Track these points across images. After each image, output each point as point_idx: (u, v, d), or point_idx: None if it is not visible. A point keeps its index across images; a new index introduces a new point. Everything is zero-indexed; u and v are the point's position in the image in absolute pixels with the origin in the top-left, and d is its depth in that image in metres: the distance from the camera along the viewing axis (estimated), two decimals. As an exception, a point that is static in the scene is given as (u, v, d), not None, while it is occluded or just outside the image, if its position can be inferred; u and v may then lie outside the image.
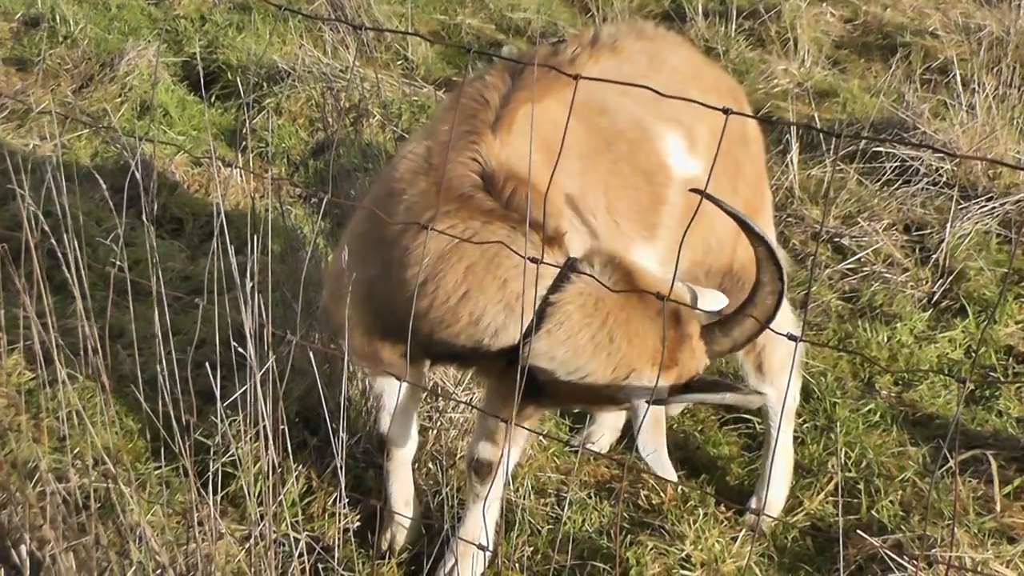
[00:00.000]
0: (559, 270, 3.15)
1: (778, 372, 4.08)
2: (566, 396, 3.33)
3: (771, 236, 4.13)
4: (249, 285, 2.93)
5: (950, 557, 3.88)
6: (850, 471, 4.37)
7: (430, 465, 4.21)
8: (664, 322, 3.14)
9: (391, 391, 3.73)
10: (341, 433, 3.10)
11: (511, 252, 3.06)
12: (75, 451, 3.75)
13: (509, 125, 3.28)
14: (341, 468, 3.11)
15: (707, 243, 3.77)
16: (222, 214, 3.02)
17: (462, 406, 4.29)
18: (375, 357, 3.49)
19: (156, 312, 3.09)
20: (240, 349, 3.07)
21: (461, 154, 3.24)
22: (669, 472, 3.19)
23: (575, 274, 3.17)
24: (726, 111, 2.36)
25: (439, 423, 4.32)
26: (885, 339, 5.12)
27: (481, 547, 3.24)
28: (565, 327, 3.17)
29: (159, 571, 3.33)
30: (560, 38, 7.70)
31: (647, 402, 3.15)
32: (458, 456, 4.19)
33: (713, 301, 3.40)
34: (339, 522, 3.83)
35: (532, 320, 3.17)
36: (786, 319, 4.15)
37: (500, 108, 3.33)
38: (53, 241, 3.12)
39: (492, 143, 3.25)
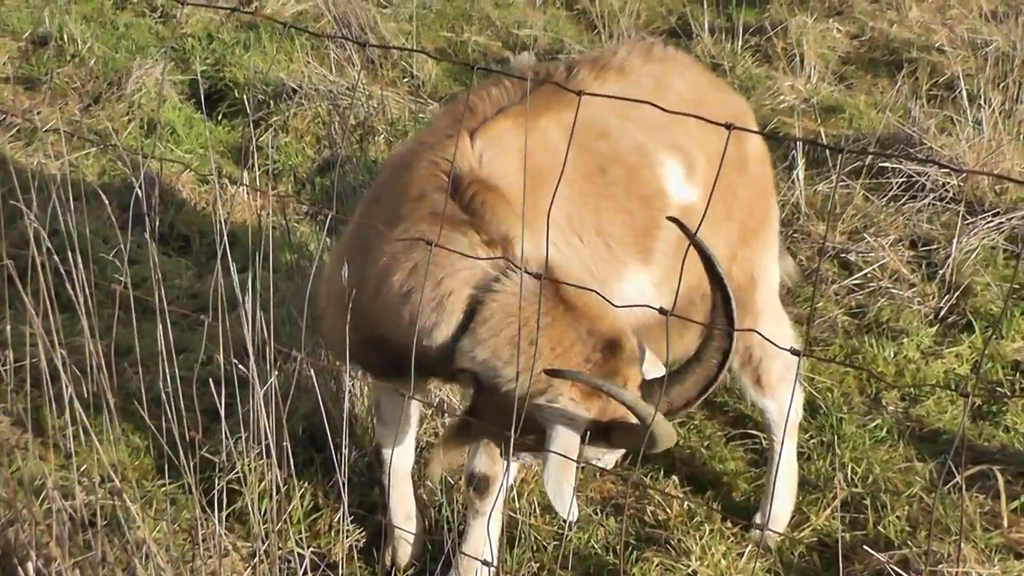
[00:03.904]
0: (494, 271, 3.11)
1: (777, 386, 4.07)
2: (492, 412, 3.18)
3: (764, 269, 4.05)
4: (250, 302, 2.94)
5: (957, 573, 3.87)
6: (856, 486, 4.36)
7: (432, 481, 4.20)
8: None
9: (388, 403, 3.72)
10: (344, 449, 3.11)
11: (450, 252, 3.04)
12: (81, 468, 3.75)
13: (493, 134, 3.28)
14: (344, 485, 3.11)
15: (702, 268, 3.75)
16: (225, 232, 3.04)
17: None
18: (363, 366, 3.49)
19: (160, 330, 3.10)
20: (241, 367, 3.08)
21: (433, 155, 3.25)
22: (572, 513, 3.04)
23: (507, 276, 3.11)
24: (728, 126, 2.34)
25: (444, 439, 4.32)
26: (891, 354, 5.12)
27: (485, 562, 3.24)
28: (487, 326, 3.09)
29: (164, 588, 3.34)
30: (559, 55, 7.72)
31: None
32: (461, 472, 4.19)
33: (653, 368, 3.26)
34: (344, 539, 3.83)
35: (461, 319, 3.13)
36: (784, 334, 4.14)
37: (489, 116, 3.34)
38: (59, 259, 3.14)
39: (466, 147, 3.24)
